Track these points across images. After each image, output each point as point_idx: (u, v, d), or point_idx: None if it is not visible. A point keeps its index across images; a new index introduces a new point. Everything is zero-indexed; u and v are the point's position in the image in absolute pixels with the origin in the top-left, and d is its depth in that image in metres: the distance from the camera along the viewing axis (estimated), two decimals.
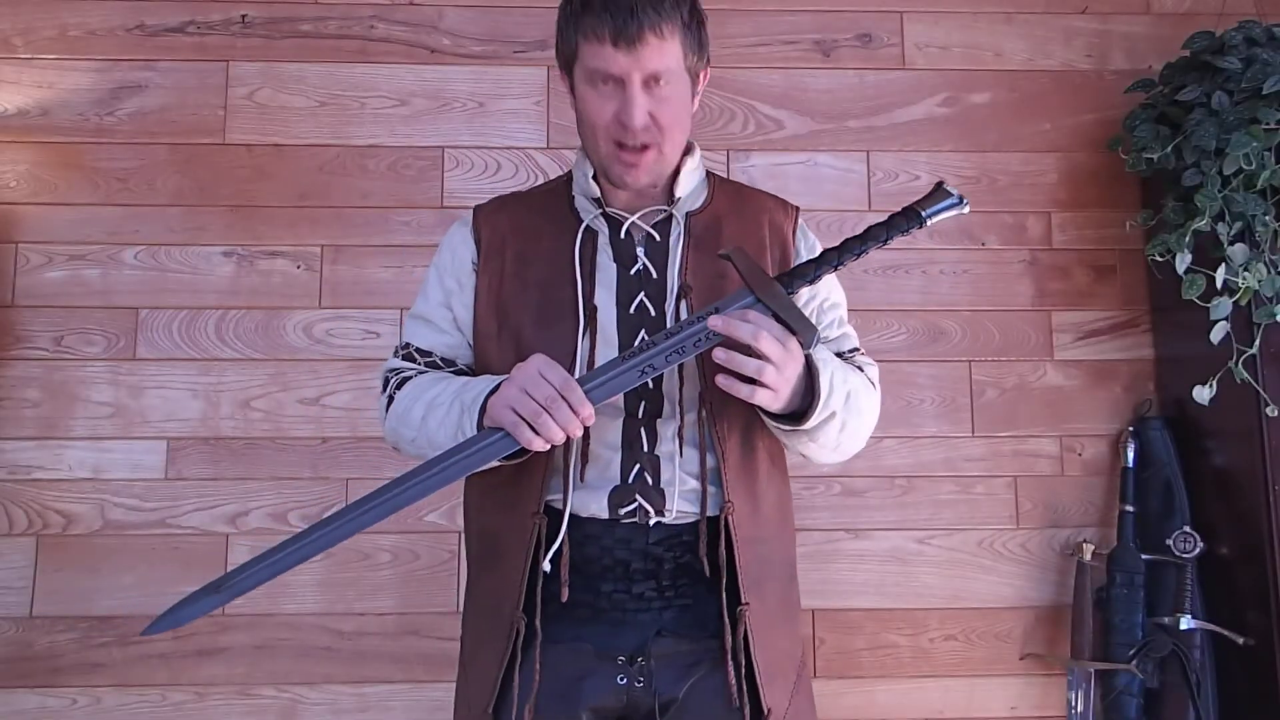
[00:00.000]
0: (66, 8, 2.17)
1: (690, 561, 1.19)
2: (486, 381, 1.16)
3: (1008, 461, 2.16)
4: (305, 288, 2.13)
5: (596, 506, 1.18)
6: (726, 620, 1.17)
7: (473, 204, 1.36)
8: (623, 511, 1.17)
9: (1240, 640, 1.91)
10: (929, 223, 1.20)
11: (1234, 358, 1.90)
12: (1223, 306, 1.90)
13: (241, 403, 2.09)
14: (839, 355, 1.27)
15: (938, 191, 1.21)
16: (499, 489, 1.21)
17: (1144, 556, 2.03)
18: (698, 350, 1.12)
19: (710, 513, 1.19)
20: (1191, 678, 1.94)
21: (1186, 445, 2.08)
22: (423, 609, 2.05)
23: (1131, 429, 2.12)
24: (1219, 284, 1.90)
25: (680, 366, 1.18)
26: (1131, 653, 1.97)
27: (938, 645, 2.10)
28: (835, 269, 1.19)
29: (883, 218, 1.21)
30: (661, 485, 1.18)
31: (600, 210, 1.27)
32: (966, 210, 1.22)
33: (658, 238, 1.26)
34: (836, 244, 1.19)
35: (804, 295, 1.29)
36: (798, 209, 1.36)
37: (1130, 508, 2.06)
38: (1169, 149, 1.96)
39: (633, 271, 1.24)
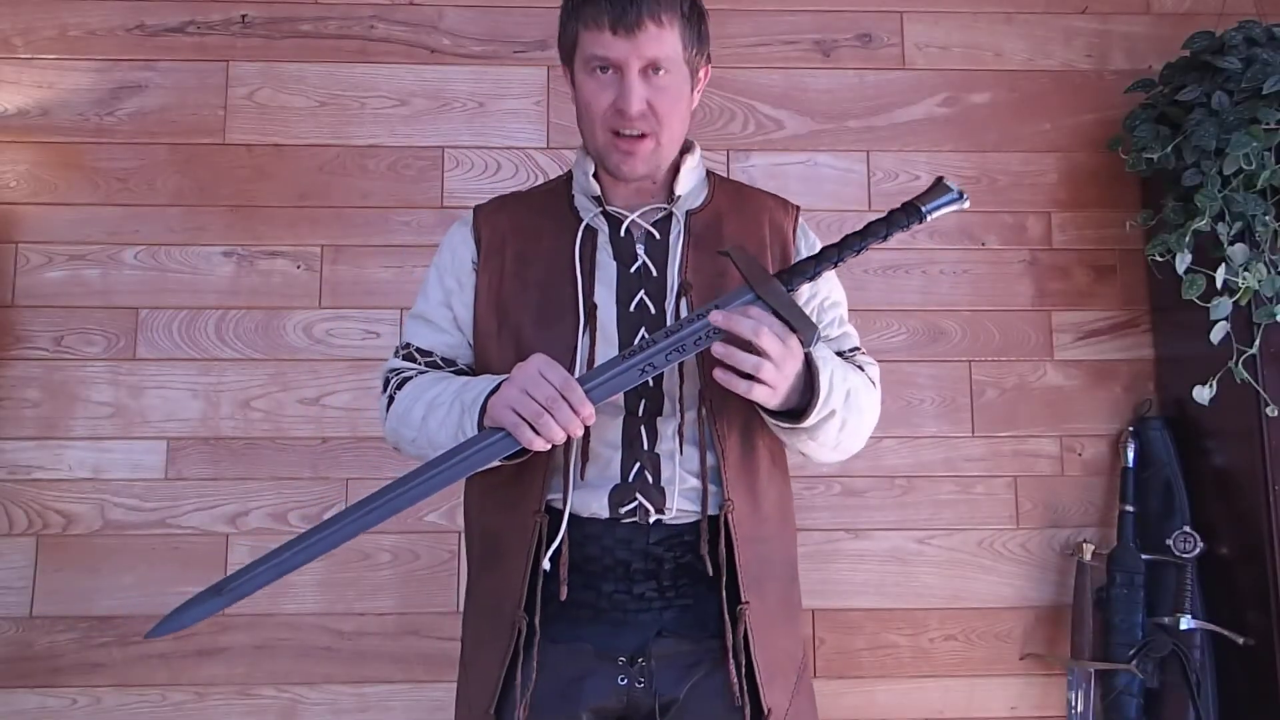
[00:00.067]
0: (66, 8, 2.17)
1: (691, 561, 1.19)
2: (487, 381, 1.16)
3: (1008, 461, 2.16)
4: (305, 288, 2.13)
5: (597, 505, 1.17)
6: (727, 619, 1.17)
7: (473, 204, 1.36)
8: (623, 510, 1.17)
9: (1240, 640, 1.91)
10: (929, 218, 1.19)
11: (1234, 358, 1.90)
12: (1223, 306, 1.90)
13: (241, 403, 2.09)
14: (839, 354, 1.27)
15: (938, 186, 1.21)
16: (500, 489, 1.21)
17: (1144, 556, 2.03)
18: (698, 348, 1.12)
19: (711, 511, 1.19)
20: (1191, 678, 1.94)
21: (1186, 445, 2.08)
22: (423, 609, 2.05)
23: (1131, 429, 2.12)
24: (1219, 284, 1.90)
25: (680, 364, 1.17)
26: (1131, 653, 1.97)
27: (938, 645, 2.10)
28: (835, 265, 1.18)
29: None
30: (662, 484, 1.18)
31: (600, 209, 1.27)
32: (967, 205, 1.21)
33: (658, 236, 1.26)
34: (836, 240, 1.19)
35: (804, 294, 1.29)
36: (798, 208, 1.36)
37: (1130, 508, 2.07)
38: (1169, 149, 1.96)
39: (633, 270, 1.24)
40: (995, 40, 2.27)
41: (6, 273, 2.09)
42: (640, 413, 1.20)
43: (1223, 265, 1.89)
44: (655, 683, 1.17)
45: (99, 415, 2.07)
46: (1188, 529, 2.01)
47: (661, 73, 1.18)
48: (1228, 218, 1.89)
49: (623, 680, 1.18)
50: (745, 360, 1.08)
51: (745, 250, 1.18)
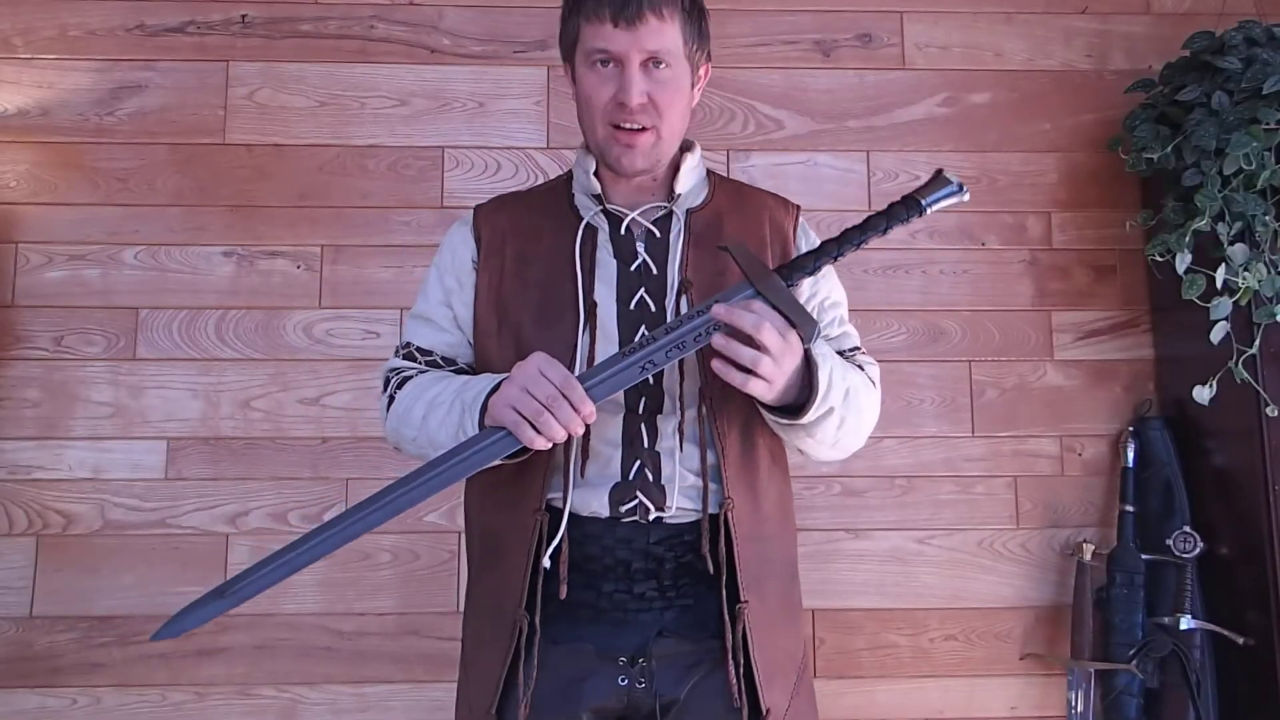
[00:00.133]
0: (66, 8, 2.17)
1: (691, 561, 1.19)
2: (487, 380, 1.16)
3: (1008, 461, 2.16)
4: (305, 288, 2.13)
5: (598, 504, 1.17)
6: (726, 618, 1.17)
7: (473, 204, 1.36)
8: (623, 509, 1.17)
9: (1240, 640, 1.91)
10: (929, 211, 1.19)
11: (1234, 358, 1.90)
12: (1223, 306, 1.90)
13: (241, 403, 2.09)
14: (840, 354, 1.27)
15: (937, 179, 1.20)
16: (500, 488, 1.21)
17: (1144, 556, 2.03)
18: (698, 345, 1.12)
19: (711, 510, 1.19)
20: (1191, 678, 1.94)
21: (1186, 445, 2.08)
22: (423, 609, 2.05)
23: (1131, 429, 2.12)
24: (1219, 284, 1.90)
25: (680, 362, 1.17)
26: (1131, 653, 1.97)
27: (938, 645, 2.10)
28: (835, 260, 1.18)
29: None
30: (662, 482, 1.18)
31: (600, 207, 1.27)
32: (966, 198, 1.21)
33: (658, 234, 1.26)
34: (836, 235, 1.19)
35: (805, 292, 1.29)
36: (798, 208, 1.36)
37: (1130, 508, 2.06)
38: (1169, 149, 1.96)
39: (633, 267, 1.24)
40: (995, 40, 2.27)
41: (6, 273, 2.09)
42: (640, 410, 1.20)
43: (1223, 265, 1.89)
44: (656, 683, 1.17)
45: (99, 415, 2.07)
46: (1188, 529, 2.01)
47: (662, 66, 1.18)
48: (1228, 218, 1.89)
49: (623, 680, 1.18)
50: (743, 353, 1.07)
51: (745, 245, 1.18)
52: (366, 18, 2.21)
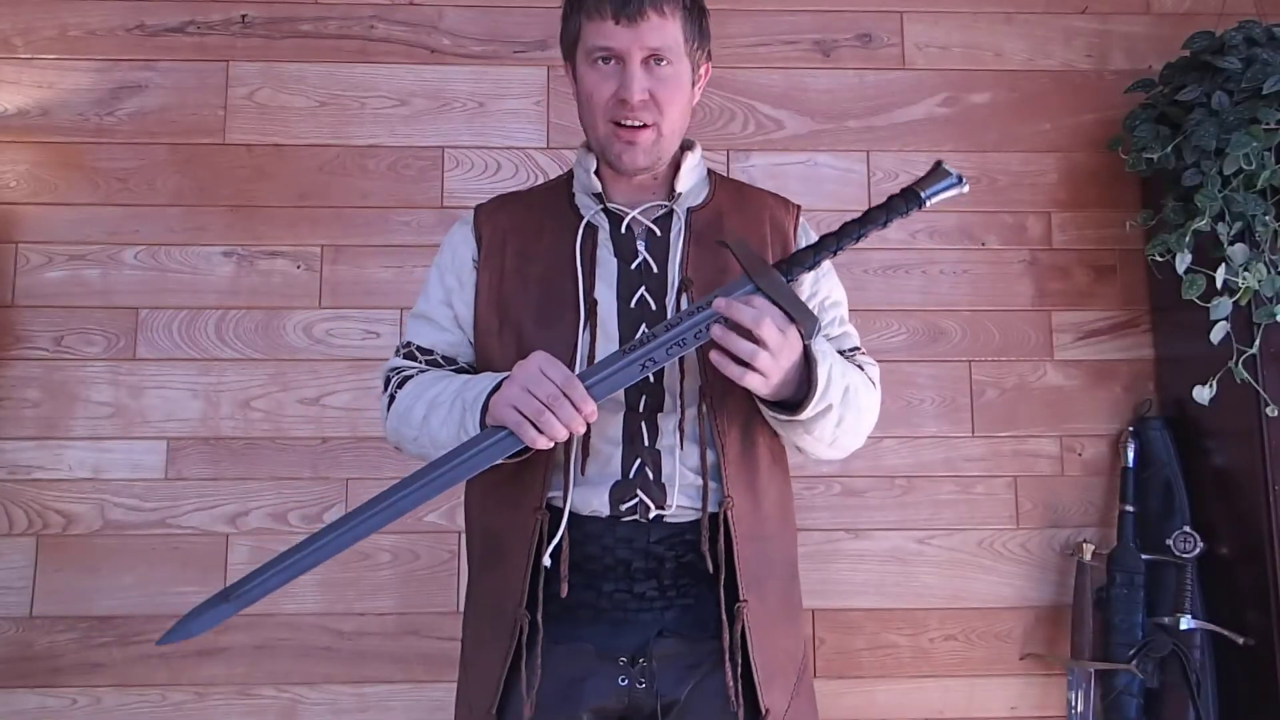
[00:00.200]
0: (66, 8, 2.17)
1: (692, 561, 1.19)
2: (488, 379, 1.16)
3: (1008, 461, 2.16)
4: (305, 288, 2.13)
5: (598, 502, 1.17)
6: (724, 617, 1.17)
7: (473, 204, 1.36)
8: (624, 507, 1.17)
9: (1240, 640, 1.91)
10: (929, 203, 1.19)
11: (1234, 358, 1.90)
12: (1223, 306, 1.90)
13: (241, 403, 2.09)
14: (840, 354, 1.27)
15: (937, 171, 1.20)
16: (501, 487, 1.21)
17: (1144, 556, 2.03)
18: (699, 342, 1.12)
19: (711, 509, 1.19)
20: (1191, 678, 1.94)
21: (1186, 445, 2.08)
22: (423, 609, 2.05)
23: (1131, 429, 2.12)
24: (1219, 284, 1.90)
25: (681, 360, 1.17)
26: (1131, 653, 1.97)
27: (938, 645, 2.10)
28: (835, 254, 1.18)
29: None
30: (662, 480, 1.18)
31: (601, 206, 1.27)
32: (966, 190, 1.21)
33: (658, 232, 1.26)
34: (835, 229, 1.19)
35: (806, 291, 1.29)
36: (799, 207, 1.36)
37: (1130, 508, 2.06)
38: (1169, 149, 1.96)
39: (633, 266, 1.24)
40: (995, 40, 2.27)
41: (6, 273, 2.09)
42: (641, 409, 1.19)
43: (1223, 265, 1.89)
44: (656, 683, 1.17)
45: (99, 415, 2.07)
46: (1188, 529, 2.01)
47: (664, 63, 1.19)
48: (1228, 218, 1.89)
49: (624, 681, 1.18)
50: (741, 346, 1.07)
51: (745, 241, 1.18)
52: (366, 18, 2.21)
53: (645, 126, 1.20)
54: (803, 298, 1.26)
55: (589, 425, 1.11)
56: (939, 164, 1.20)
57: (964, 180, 1.20)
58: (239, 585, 1.08)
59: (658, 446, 1.19)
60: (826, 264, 1.31)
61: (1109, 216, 2.21)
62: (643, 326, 1.20)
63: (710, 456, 1.19)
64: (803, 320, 1.11)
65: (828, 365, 1.15)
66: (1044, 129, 2.25)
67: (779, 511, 1.26)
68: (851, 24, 2.27)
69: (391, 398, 1.26)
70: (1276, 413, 1.88)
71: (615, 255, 1.25)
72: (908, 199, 1.18)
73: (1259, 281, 1.87)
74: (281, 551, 1.10)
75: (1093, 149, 2.23)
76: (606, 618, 1.19)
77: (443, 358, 1.28)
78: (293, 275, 2.13)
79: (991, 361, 2.18)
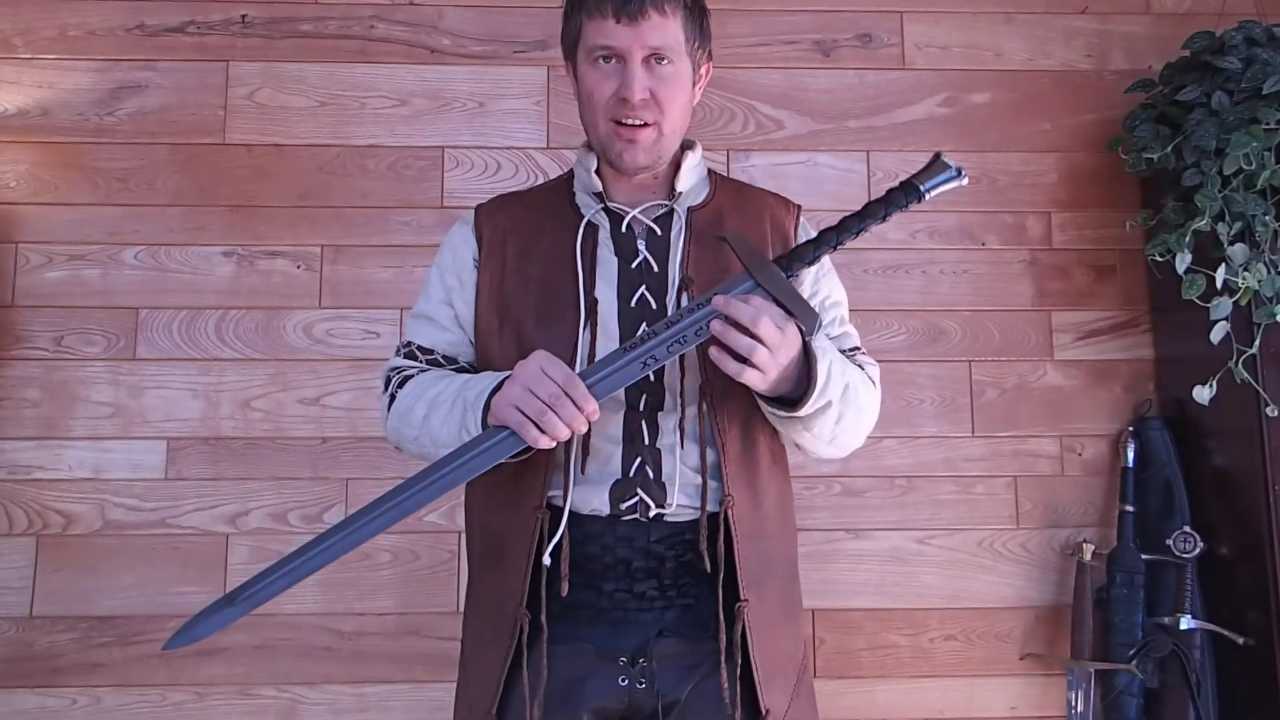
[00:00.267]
0: (66, 8, 2.17)
1: (692, 560, 1.19)
2: (489, 378, 1.16)
3: (1008, 461, 2.16)
4: (305, 288, 2.13)
5: (598, 501, 1.17)
6: (722, 617, 1.16)
7: (473, 204, 1.36)
8: (624, 506, 1.17)
9: (1240, 640, 1.91)
10: (928, 196, 1.19)
11: (1234, 358, 1.90)
12: (1223, 306, 1.90)
13: (241, 403, 2.09)
14: (840, 353, 1.27)
15: (936, 164, 1.20)
16: (501, 487, 1.21)
17: (1144, 556, 2.03)
18: (699, 340, 1.12)
19: (711, 508, 1.18)
20: (1191, 678, 1.94)
21: (1186, 445, 2.08)
22: (423, 609, 2.05)
23: (1131, 429, 2.12)
24: (1219, 284, 1.90)
25: (681, 358, 1.17)
26: (1131, 653, 1.97)
27: (938, 645, 2.10)
28: (834, 249, 1.18)
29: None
30: (663, 479, 1.18)
31: (602, 205, 1.27)
32: (965, 182, 1.21)
33: (659, 231, 1.26)
34: (834, 224, 1.18)
35: (807, 288, 1.29)
36: (799, 207, 1.36)
37: (1130, 508, 2.06)
38: (1169, 149, 1.96)
39: (634, 265, 1.24)
40: (995, 40, 2.27)
41: (6, 273, 2.09)
42: (641, 407, 1.19)
43: (1223, 265, 1.89)
44: (657, 683, 1.17)
45: (99, 415, 2.07)
46: (1188, 529, 2.01)
47: (665, 62, 1.19)
48: (1228, 218, 1.89)
49: (624, 681, 1.17)
50: (740, 341, 1.07)
51: (744, 237, 1.18)
52: (366, 18, 2.21)
53: (646, 125, 1.20)
54: (805, 292, 1.26)
55: (590, 424, 1.11)
56: (938, 156, 1.21)
57: (963, 173, 1.20)
58: (244, 589, 1.08)
59: (658, 445, 1.18)
60: (827, 264, 1.31)
61: (1109, 216, 2.21)
62: (643, 325, 1.20)
63: (710, 455, 1.19)
64: (802, 316, 1.11)
65: (827, 362, 1.15)
66: (1044, 129, 2.25)
67: (779, 511, 1.26)
68: (851, 24, 2.27)
69: (392, 397, 1.26)
70: (1276, 413, 1.88)
71: (616, 254, 1.25)
72: (906, 192, 1.18)
73: (1259, 281, 1.87)
74: (286, 554, 1.09)
75: (1093, 149, 2.23)
76: (607, 617, 1.19)
77: (443, 357, 1.28)
78: (293, 275, 2.13)
79: (991, 361, 2.18)
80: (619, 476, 1.18)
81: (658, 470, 1.18)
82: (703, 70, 1.28)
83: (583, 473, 1.18)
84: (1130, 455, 2.09)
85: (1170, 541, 2.00)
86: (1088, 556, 2.06)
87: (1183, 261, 1.94)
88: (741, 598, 1.17)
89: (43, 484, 2.05)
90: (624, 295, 1.22)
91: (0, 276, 2.09)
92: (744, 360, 1.08)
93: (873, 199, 1.19)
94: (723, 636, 1.16)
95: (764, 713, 1.17)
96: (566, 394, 1.07)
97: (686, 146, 1.30)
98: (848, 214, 1.18)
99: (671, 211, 1.28)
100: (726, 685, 1.15)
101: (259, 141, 2.17)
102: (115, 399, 2.07)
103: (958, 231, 2.20)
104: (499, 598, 1.20)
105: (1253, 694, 1.92)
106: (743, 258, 1.14)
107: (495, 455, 1.11)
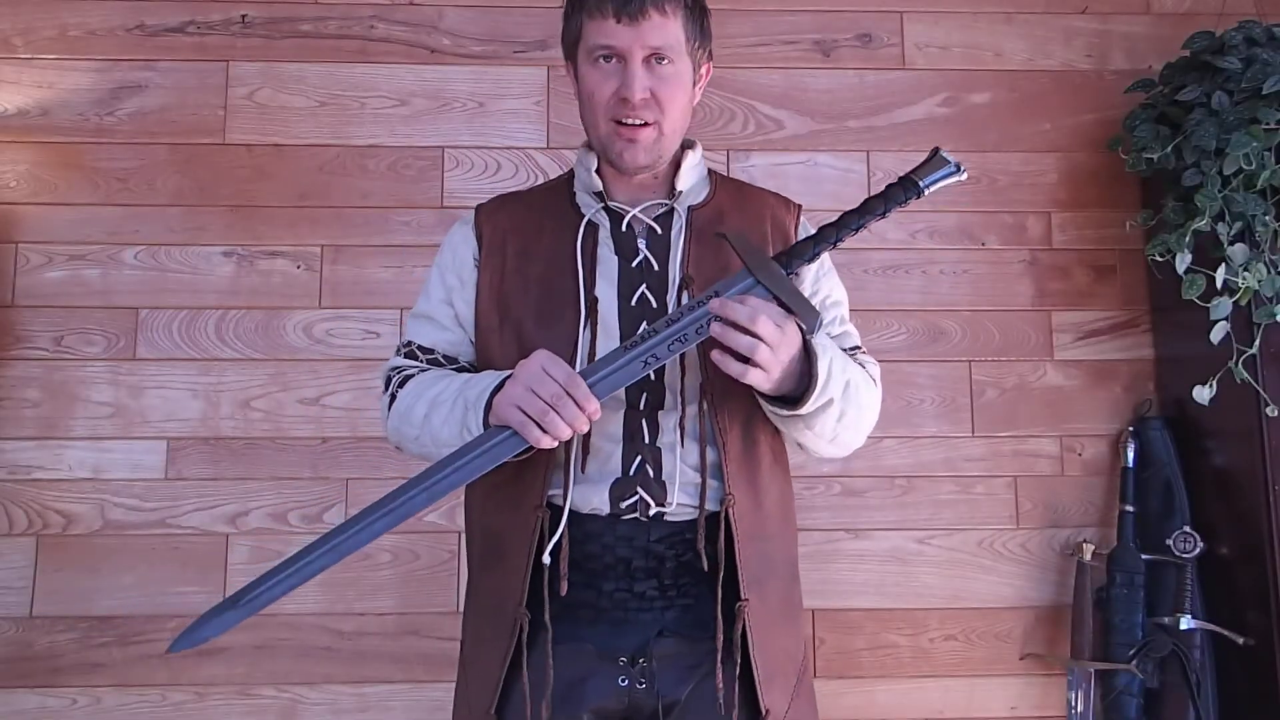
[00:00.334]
0: (66, 8, 2.17)
1: (692, 560, 1.19)
2: (490, 378, 1.16)
3: (1008, 461, 2.16)
4: (305, 288, 2.13)
5: (598, 500, 1.17)
6: (720, 616, 1.16)
7: (473, 204, 1.36)
8: (624, 505, 1.17)
9: (1240, 640, 1.91)
10: (927, 192, 1.19)
11: (1234, 358, 1.90)
12: (1223, 306, 1.90)
13: (241, 403, 2.09)
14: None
15: (935, 159, 1.20)
16: (502, 486, 1.21)
17: (1144, 556, 2.03)
18: (700, 338, 1.12)
19: (711, 507, 1.18)
20: (1191, 678, 1.94)
21: (1186, 445, 2.08)
22: (423, 609, 2.05)
23: (1131, 429, 2.11)
24: (1219, 284, 1.90)
25: (681, 357, 1.17)
26: (1131, 653, 1.97)
27: (938, 645, 2.10)
28: (834, 246, 1.18)
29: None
30: (663, 478, 1.18)
31: (602, 204, 1.27)
32: (964, 177, 1.21)
33: (659, 230, 1.26)
34: (834, 220, 1.18)
35: (806, 289, 1.29)
36: (800, 206, 1.36)
37: (1130, 508, 2.06)
38: (1169, 149, 1.96)
39: (634, 264, 1.24)
40: (995, 40, 2.27)
41: (6, 273, 2.09)
42: (641, 406, 1.19)
43: (1223, 265, 1.89)
44: (657, 684, 1.17)
45: (99, 415, 2.07)
46: (1188, 529, 2.01)
47: (665, 62, 1.19)
48: (1228, 218, 1.89)
49: (624, 681, 1.17)
50: (740, 341, 1.07)
51: (744, 235, 1.18)
52: (366, 18, 2.21)
53: (646, 125, 1.20)
54: (806, 291, 1.27)
55: (591, 423, 1.11)
56: (936, 151, 1.21)
57: (962, 168, 1.20)
58: (247, 591, 1.08)
59: (658, 444, 1.18)
60: (827, 263, 1.31)
61: (1109, 216, 2.21)
62: (644, 324, 1.20)
63: (711, 454, 1.19)
64: (802, 313, 1.11)
65: (828, 359, 1.15)
66: (1044, 129, 2.25)
67: (780, 510, 1.26)
68: (851, 24, 2.27)
69: (392, 397, 1.26)
70: (1276, 413, 1.88)
71: (616, 253, 1.25)
72: (906, 188, 1.18)
73: (1259, 281, 1.87)
74: (288, 556, 1.10)
75: (1093, 149, 2.23)
76: (607, 617, 1.19)
77: (443, 357, 1.28)
78: (293, 275, 2.13)
79: (991, 361, 2.18)
80: (619, 475, 1.18)
81: (658, 469, 1.18)
82: (703, 70, 1.28)
83: (583, 471, 1.18)
84: (1130, 455, 2.09)
85: (1170, 541, 2.00)
86: (1088, 556, 2.06)
87: (1183, 261, 1.94)
88: (742, 597, 1.17)
89: (43, 484, 2.05)
90: (624, 294, 1.22)
91: (0, 276, 2.09)
92: (746, 360, 1.08)
93: (872, 195, 1.19)
94: (720, 636, 1.16)
95: (764, 713, 1.17)
96: (568, 393, 1.07)
97: (687, 146, 1.30)
98: (847, 210, 1.18)
99: (672, 211, 1.28)
100: (721, 686, 1.15)
101: (259, 141, 2.16)
102: (115, 399, 2.07)
103: (958, 231, 2.20)
104: (499, 597, 1.20)
105: (1253, 694, 1.92)
106: (742, 255, 1.14)
107: (497, 455, 1.11)
